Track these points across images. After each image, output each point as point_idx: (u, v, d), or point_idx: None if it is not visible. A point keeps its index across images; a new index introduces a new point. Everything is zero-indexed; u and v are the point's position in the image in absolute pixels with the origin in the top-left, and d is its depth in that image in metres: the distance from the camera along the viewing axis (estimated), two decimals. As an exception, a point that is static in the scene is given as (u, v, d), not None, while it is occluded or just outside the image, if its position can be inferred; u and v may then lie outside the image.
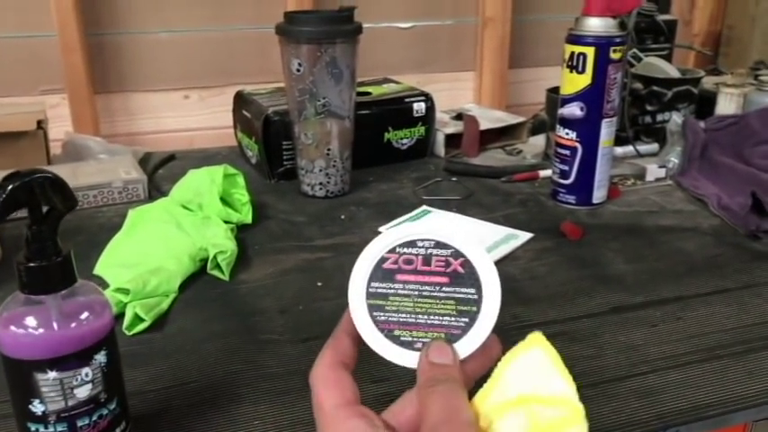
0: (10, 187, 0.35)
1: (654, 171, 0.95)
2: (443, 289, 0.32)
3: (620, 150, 1.02)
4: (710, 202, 0.85)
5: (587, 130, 0.84)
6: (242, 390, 0.51)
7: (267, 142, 0.94)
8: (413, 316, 0.32)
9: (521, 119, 1.15)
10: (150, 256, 0.66)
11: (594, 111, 0.83)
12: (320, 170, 0.90)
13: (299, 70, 0.85)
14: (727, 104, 1.05)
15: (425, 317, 0.32)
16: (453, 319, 0.32)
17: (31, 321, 0.37)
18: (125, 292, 0.60)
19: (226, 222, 0.74)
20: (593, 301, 0.64)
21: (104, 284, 0.64)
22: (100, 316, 0.39)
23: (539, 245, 0.76)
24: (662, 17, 1.19)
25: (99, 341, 0.39)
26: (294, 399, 0.50)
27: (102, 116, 1.22)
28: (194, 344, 0.57)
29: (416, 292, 0.33)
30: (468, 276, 0.32)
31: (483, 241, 0.76)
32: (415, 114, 1.04)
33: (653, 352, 0.56)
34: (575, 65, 0.82)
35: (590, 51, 0.81)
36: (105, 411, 0.40)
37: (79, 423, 0.39)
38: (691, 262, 0.72)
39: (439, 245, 0.33)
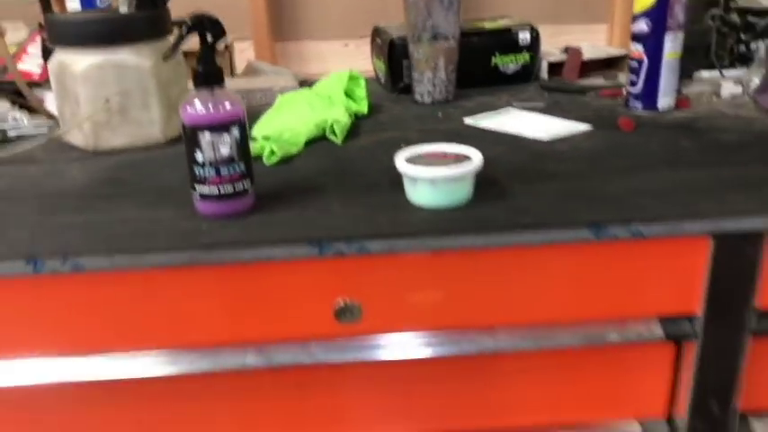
0: (191, 18, 0.62)
1: (729, 88, 1.05)
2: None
3: (705, 74, 1.12)
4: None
5: (652, 43, 0.97)
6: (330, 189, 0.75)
7: (391, 60, 1.18)
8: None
9: (624, 51, 1.27)
10: (287, 122, 0.93)
11: (659, 26, 0.96)
12: (428, 80, 1.12)
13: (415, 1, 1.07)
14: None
15: None
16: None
17: (197, 104, 0.65)
18: (267, 138, 0.87)
19: (347, 110, 1.00)
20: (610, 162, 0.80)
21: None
22: (235, 106, 0.66)
23: (593, 132, 0.92)
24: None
25: (233, 120, 0.65)
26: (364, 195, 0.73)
27: (280, 60, 1.54)
28: (311, 179, 0.82)
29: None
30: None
31: (546, 129, 0.93)
32: (521, 43, 1.22)
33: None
34: (642, -15, 0.96)
35: (654, -28, 0.94)
36: (237, 168, 0.67)
37: (222, 171, 0.66)
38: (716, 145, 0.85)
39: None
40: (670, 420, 0.79)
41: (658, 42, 0.97)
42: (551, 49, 1.32)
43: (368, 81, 1.09)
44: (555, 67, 1.25)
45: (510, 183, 0.75)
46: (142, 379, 0.70)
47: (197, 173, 0.66)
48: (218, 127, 0.64)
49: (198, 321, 0.68)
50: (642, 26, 0.97)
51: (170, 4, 0.95)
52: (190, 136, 0.65)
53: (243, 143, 0.67)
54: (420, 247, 0.66)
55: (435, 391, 0.76)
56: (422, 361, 0.72)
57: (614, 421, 0.80)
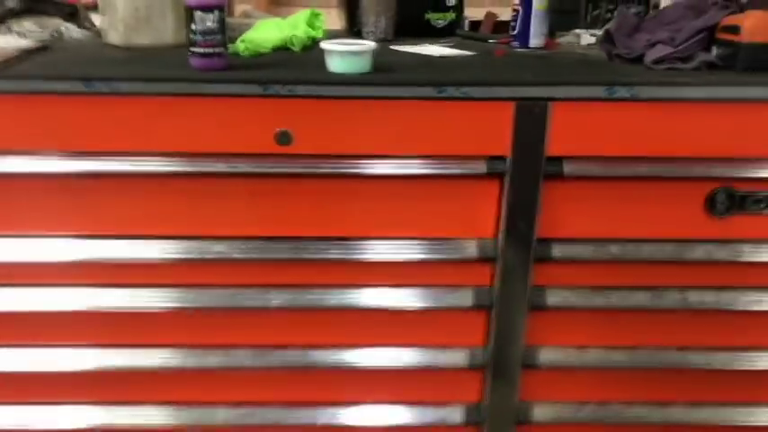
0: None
1: (587, 39, 1.44)
2: None
3: (579, 30, 1.52)
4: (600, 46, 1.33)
5: (525, -3, 1.37)
6: (280, 66, 1.15)
7: (348, 8, 1.58)
8: None
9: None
10: (260, 33, 1.33)
11: (529, -15, 1.36)
12: (371, 23, 1.51)
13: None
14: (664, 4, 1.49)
15: None
16: None
17: (195, -7, 1.05)
18: (243, 41, 1.27)
19: (305, 32, 1.39)
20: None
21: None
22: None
23: (473, 56, 1.32)
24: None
25: (217, 5, 1.05)
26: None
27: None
28: (270, 62, 1.22)
29: None
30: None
31: (440, 52, 1.33)
32: (448, 4, 1.62)
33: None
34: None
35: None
36: (216, 38, 1.06)
37: (206, 37, 1.06)
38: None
39: None
40: (495, 239, 1.18)
41: (529, -3, 1.36)
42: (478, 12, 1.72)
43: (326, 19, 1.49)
44: (475, 25, 1.65)
45: (398, 69, 1.14)
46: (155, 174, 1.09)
47: (191, 38, 1.06)
48: (205, 7, 1.04)
49: (182, 133, 1.07)
50: (518, -15, 1.37)
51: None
52: (188, 13, 1.05)
53: (221, 22, 1.06)
54: (328, 92, 1.05)
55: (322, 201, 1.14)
56: (328, 176, 1.11)
57: (456, 238, 1.18)
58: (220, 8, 1.06)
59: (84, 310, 1.17)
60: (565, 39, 1.49)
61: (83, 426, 1.25)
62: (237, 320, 1.22)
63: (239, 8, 1.88)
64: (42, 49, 1.27)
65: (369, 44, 1.09)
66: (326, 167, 1.10)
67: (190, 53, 1.08)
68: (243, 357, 1.23)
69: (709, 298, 1.23)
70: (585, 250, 1.19)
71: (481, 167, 1.11)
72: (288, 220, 1.15)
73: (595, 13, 1.60)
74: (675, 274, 1.22)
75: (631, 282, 1.22)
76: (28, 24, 1.46)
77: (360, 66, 1.08)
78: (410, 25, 1.59)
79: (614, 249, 1.19)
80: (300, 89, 1.04)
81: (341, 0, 1.67)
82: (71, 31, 1.45)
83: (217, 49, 1.07)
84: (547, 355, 1.27)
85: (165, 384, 1.25)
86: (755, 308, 1.22)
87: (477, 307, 1.22)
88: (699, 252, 1.19)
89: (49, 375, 1.22)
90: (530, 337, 1.25)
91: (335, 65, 1.08)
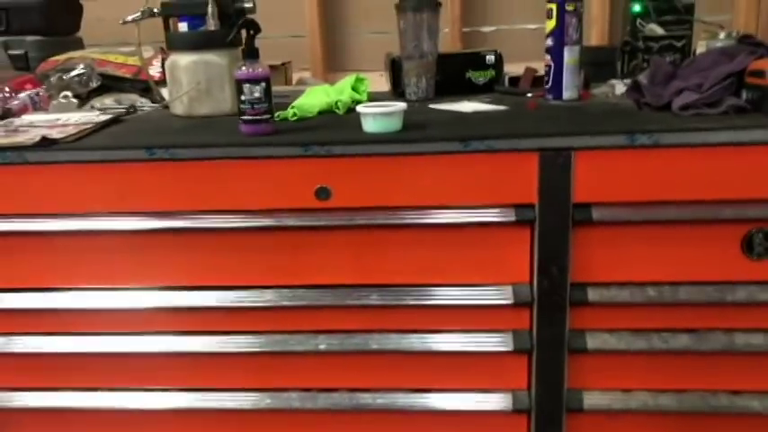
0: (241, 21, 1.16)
1: (621, 88, 1.49)
2: None
3: (614, 81, 1.57)
4: (628, 95, 1.37)
5: (556, 53, 1.43)
6: (322, 128, 1.26)
7: (392, 72, 1.69)
8: None
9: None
10: (308, 100, 1.45)
11: (559, 42, 1.42)
12: (414, 84, 1.61)
13: (404, 29, 1.58)
14: (699, 51, 1.53)
15: None
16: None
17: (243, 68, 1.18)
18: (292, 107, 1.39)
19: (350, 96, 1.51)
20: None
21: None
22: (264, 70, 1.18)
23: (506, 110, 1.39)
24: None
25: (262, 78, 1.17)
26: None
27: (324, 75, 2.09)
28: (314, 126, 1.33)
29: None
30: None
31: (474, 108, 1.41)
32: (488, 62, 1.71)
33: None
34: (548, 15, 1.43)
35: (554, 6, 1.41)
36: (263, 106, 1.18)
37: (255, 106, 1.18)
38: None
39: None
40: (530, 284, 1.22)
41: (560, 53, 1.43)
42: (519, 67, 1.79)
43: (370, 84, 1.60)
44: (514, 80, 1.72)
45: (428, 127, 1.23)
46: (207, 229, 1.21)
47: (241, 107, 1.18)
48: (253, 80, 1.17)
49: (234, 193, 1.18)
50: (549, 42, 1.44)
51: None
52: (238, 86, 1.18)
53: (267, 91, 1.18)
54: (362, 150, 1.14)
55: (376, 251, 1.22)
56: (365, 227, 1.19)
57: (492, 284, 1.22)
58: (266, 80, 1.18)
59: (151, 353, 1.28)
60: (600, 89, 1.54)
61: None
62: (288, 364, 1.29)
63: (297, 76, 2.04)
64: (116, 121, 1.43)
65: (399, 105, 1.18)
66: (363, 219, 1.18)
67: (240, 121, 1.20)
68: (293, 400, 1.30)
69: (756, 340, 1.22)
70: (622, 293, 1.21)
71: (510, 215, 1.17)
72: (330, 270, 1.23)
73: (634, 63, 1.65)
74: (718, 316, 1.22)
75: (672, 324, 1.23)
76: (108, 101, 1.65)
77: (391, 125, 1.17)
78: (452, 84, 1.68)
79: (651, 292, 1.21)
80: (337, 149, 1.14)
81: (387, 64, 1.78)
82: (144, 104, 1.62)
83: (264, 116, 1.19)
84: (591, 399, 1.28)
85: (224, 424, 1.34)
86: (805, 350, 1.20)
87: (518, 351, 1.25)
88: (741, 294, 1.19)
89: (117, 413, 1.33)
90: (572, 381, 1.27)
91: (369, 125, 1.18)
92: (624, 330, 1.23)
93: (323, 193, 1.17)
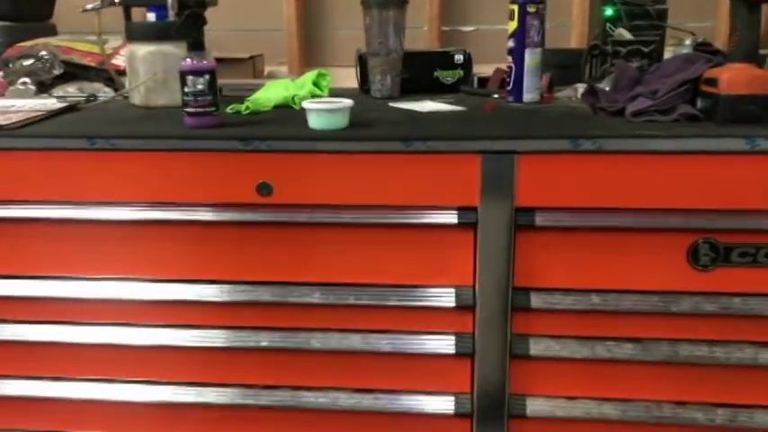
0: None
1: (581, 90, 1.47)
2: None
3: (579, 85, 1.55)
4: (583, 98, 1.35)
5: (518, 55, 1.41)
6: (270, 123, 1.25)
7: (359, 68, 1.68)
8: None
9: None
10: (265, 94, 1.44)
11: (520, 44, 1.40)
12: (378, 81, 1.60)
13: (370, 25, 1.57)
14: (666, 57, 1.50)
15: None
16: None
17: (187, 60, 1.16)
18: (247, 100, 1.38)
19: (310, 92, 1.49)
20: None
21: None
22: (209, 63, 1.17)
23: (463, 111, 1.37)
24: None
25: (207, 70, 1.16)
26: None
27: (298, 70, 2.08)
28: (264, 120, 1.32)
29: None
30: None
31: (431, 108, 1.39)
32: (456, 62, 1.69)
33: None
34: (510, 16, 1.41)
35: (515, 7, 1.39)
36: (209, 97, 1.17)
37: (199, 98, 1.17)
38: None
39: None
40: (473, 287, 1.20)
41: (521, 55, 1.41)
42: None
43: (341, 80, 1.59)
44: (484, 81, 1.70)
45: (375, 125, 1.21)
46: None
47: (184, 99, 1.17)
48: (197, 72, 1.15)
49: (175, 185, 1.17)
50: (511, 44, 1.42)
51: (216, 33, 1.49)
52: (182, 77, 1.17)
53: (212, 84, 1.17)
54: (304, 147, 1.13)
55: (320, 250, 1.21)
56: (306, 225, 1.18)
57: (434, 286, 1.21)
58: (211, 72, 1.17)
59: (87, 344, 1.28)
60: (563, 93, 1.52)
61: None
62: (230, 360, 1.29)
63: (270, 69, 2.02)
64: (72, 109, 1.42)
65: (345, 102, 1.17)
66: (304, 217, 1.17)
67: (184, 113, 1.19)
68: (235, 395, 1.29)
69: (701, 351, 1.20)
70: (565, 300, 1.19)
71: (452, 217, 1.15)
72: (272, 266, 1.22)
73: (603, 67, 1.62)
74: (663, 326, 1.20)
75: (616, 333, 1.21)
76: (71, 89, 1.64)
77: (336, 122, 1.16)
78: (419, 82, 1.66)
79: (596, 299, 1.19)
80: (278, 144, 1.13)
81: (355, 60, 1.76)
82: (107, 94, 1.61)
83: (208, 109, 1.18)
84: (535, 405, 1.26)
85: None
86: (750, 362, 1.18)
87: (461, 354, 1.23)
88: (686, 304, 1.18)
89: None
90: (515, 386, 1.25)
91: (313, 121, 1.16)
92: (568, 337, 1.22)
93: (264, 189, 1.16)
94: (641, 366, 1.22)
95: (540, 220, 1.14)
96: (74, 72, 1.68)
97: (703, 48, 1.31)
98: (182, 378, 1.30)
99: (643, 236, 1.15)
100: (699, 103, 1.21)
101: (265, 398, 1.29)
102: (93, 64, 1.68)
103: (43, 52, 1.60)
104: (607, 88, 1.44)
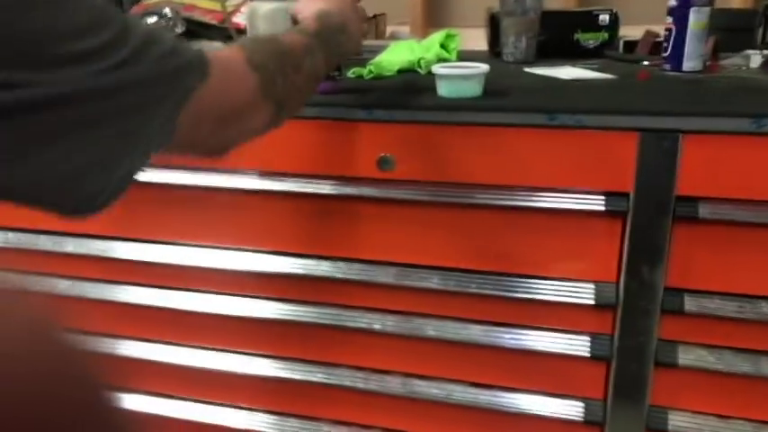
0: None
1: (756, 60, 1.25)
2: None
3: (750, 51, 1.32)
4: (763, 68, 1.14)
5: (679, 15, 1.22)
6: (395, 90, 1.13)
7: (490, 29, 1.53)
8: None
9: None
10: (389, 57, 1.33)
11: (684, 1, 1.21)
12: (512, 44, 1.45)
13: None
14: None
15: None
16: None
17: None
18: (370, 64, 1.27)
19: (437, 55, 1.36)
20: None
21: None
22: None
23: (612, 79, 1.20)
24: None
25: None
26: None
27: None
28: (388, 86, 1.21)
29: None
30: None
31: (575, 75, 1.23)
32: (601, 23, 1.50)
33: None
34: (674, -31, 1.21)
35: (682, -42, 1.19)
36: (329, 60, 1.07)
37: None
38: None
39: None
40: (617, 284, 1.05)
41: (684, 15, 1.21)
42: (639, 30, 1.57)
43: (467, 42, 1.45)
44: (631, 45, 1.51)
45: (513, 94, 1.07)
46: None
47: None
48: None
49: (291, 156, 1.09)
50: (673, 1, 1.22)
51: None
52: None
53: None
54: (430, 117, 1.01)
55: (444, 230, 1.10)
56: (430, 204, 1.07)
57: (571, 279, 1.07)
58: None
59: (201, 313, 1.24)
60: (731, 61, 1.30)
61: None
62: (340, 340, 1.21)
63: (390, 29, 1.91)
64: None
65: (480, 67, 1.03)
66: (426, 195, 1.06)
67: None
68: (344, 377, 1.22)
69: None
70: (727, 306, 1.02)
71: (599, 203, 1.00)
72: (389, 246, 1.12)
73: (779, 30, 1.39)
74: None
75: (788, 349, 1.03)
76: (192, 46, 1.60)
77: (469, 90, 1.03)
78: (558, 46, 1.50)
79: (766, 308, 1.01)
80: (401, 114, 1.02)
81: (486, 21, 1.61)
82: (226, 53, 1.55)
83: (331, 72, 1.08)
84: (678, 421, 1.10)
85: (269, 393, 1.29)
86: None
87: (596, 357, 1.09)
88: None
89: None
90: (657, 397, 1.10)
91: (443, 89, 1.04)
92: (726, 348, 1.05)
93: (385, 164, 1.05)
94: (815, 389, 1.03)
95: (704, 211, 0.97)
96: (195, 30, 1.64)
97: None
98: (287, 353, 1.25)
99: (833, 237, 0.95)
100: None
101: (375, 383, 1.21)
102: (214, 22, 1.63)
103: (166, 10, 1.57)
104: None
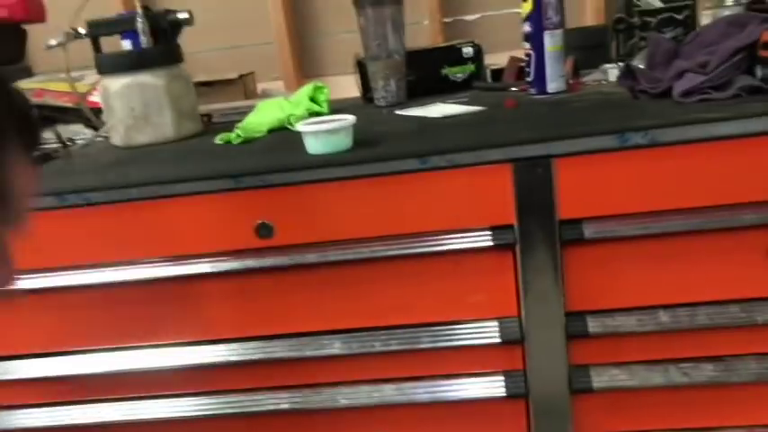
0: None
1: (613, 73, 1.28)
2: None
3: (608, 65, 1.36)
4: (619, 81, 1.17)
5: (536, 40, 1.24)
6: (263, 151, 1.08)
7: (360, 75, 1.51)
8: None
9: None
10: (257, 118, 1.28)
11: (538, 26, 1.22)
12: (381, 88, 1.43)
13: (365, 26, 1.40)
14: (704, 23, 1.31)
15: None
16: None
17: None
18: (237, 128, 1.22)
19: (307, 109, 1.32)
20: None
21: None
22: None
23: (481, 111, 1.20)
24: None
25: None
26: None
27: (294, 84, 1.92)
28: (259, 148, 1.15)
29: None
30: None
31: (446, 112, 1.22)
32: (465, 56, 1.51)
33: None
34: (523, -3, 1.23)
35: (528, -13, 1.22)
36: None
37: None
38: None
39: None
40: (519, 317, 1.03)
41: (539, 39, 1.23)
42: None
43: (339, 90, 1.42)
44: (498, 73, 1.53)
45: (383, 142, 1.04)
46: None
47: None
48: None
49: (161, 237, 1.01)
50: (527, 28, 1.24)
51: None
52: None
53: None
54: (303, 177, 0.96)
55: (334, 294, 1.04)
56: (316, 266, 1.01)
57: (474, 320, 1.04)
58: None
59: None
60: (591, 77, 1.34)
61: None
62: (249, 427, 1.12)
63: (263, 87, 1.86)
64: (45, 159, 1.27)
65: (347, 119, 1.00)
66: (313, 257, 1.00)
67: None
68: (258, 467, 1.13)
69: (797, 366, 1.01)
70: (629, 321, 1.01)
71: (486, 240, 0.98)
72: (282, 317, 1.05)
73: (630, 42, 1.44)
74: (748, 341, 1.02)
75: (693, 353, 1.03)
76: (47, 135, 1.49)
77: (338, 144, 0.99)
78: (427, 83, 1.50)
79: (664, 317, 1.01)
80: (273, 177, 0.96)
81: (354, 67, 1.60)
82: (87, 135, 1.46)
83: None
84: (604, 446, 1.08)
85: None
86: None
87: (513, 396, 1.06)
88: (773, 312, 0.99)
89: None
90: (580, 427, 1.08)
91: (312, 147, 1.00)
92: (636, 363, 1.04)
93: (264, 230, 0.99)
94: (726, 390, 1.04)
95: (589, 232, 0.96)
96: (50, 116, 1.53)
97: (757, 6, 1.12)
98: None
99: (713, 238, 0.97)
100: (759, 73, 1.02)
101: (292, 466, 1.13)
102: (69, 105, 1.53)
103: (13, 99, 1.45)
104: (641, 66, 1.25)
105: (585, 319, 1.01)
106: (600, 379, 1.04)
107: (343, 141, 1.00)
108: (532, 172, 0.93)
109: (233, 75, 1.67)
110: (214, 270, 1.02)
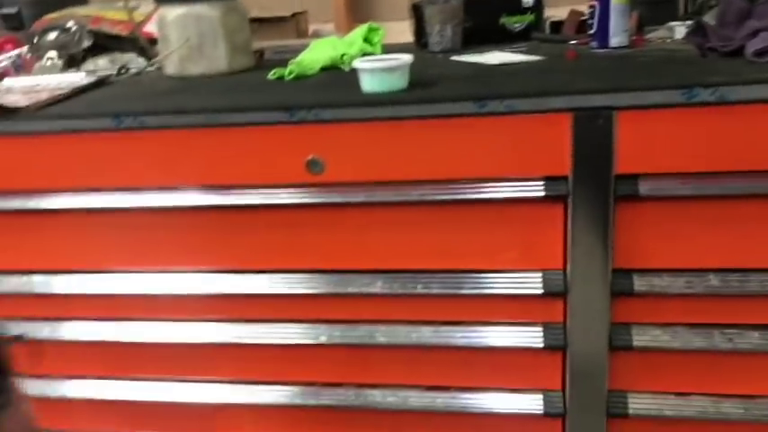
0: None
1: (680, 31, 1.23)
2: None
3: (674, 23, 1.31)
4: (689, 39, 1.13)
5: (602, -9, 1.19)
6: (317, 88, 1.07)
7: (414, 19, 1.48)
8: None
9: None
10: (311, 55, 1.26)
11: (606, -24, 1.18)
12: (437, 33, 1.40)
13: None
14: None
15: None
16: None
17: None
18: (291, 64, 1.21)
19: (360, 50, 1.31)
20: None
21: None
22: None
23: (539, 61, 1.17)
24: None
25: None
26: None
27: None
28: (310, 85, 1.14)
29: None
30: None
31: (503, 60, 1.19)
32: (524, 5, 1.47)
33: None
34: (592, -56, 1.19)
35: (600, -68, 1.17)
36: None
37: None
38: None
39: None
40: (564, 271, 1.02)
41: (607, -10, 1.19)
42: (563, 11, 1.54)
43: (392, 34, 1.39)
44: (557, 25, 1.48)
45: (439, 83, 1.02)
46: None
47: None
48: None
49: (211, 166, 1.02)
50: (594, -23, 1.20)
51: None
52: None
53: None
54: (355, 115, 0.96)
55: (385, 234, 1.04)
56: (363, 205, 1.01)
57: (517, 270, 1.03)
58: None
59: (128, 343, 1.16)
60: (656, 34, 1.29)
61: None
62: (286, 357, 1.15)
63: (314, 28, 1.85)
64: (101, 84, 1.29)
65: (403, 58, 0.98)
66: (361, 196, 1.00)
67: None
68: (295, 395, 1.16)
69: (843, 338, 0.99)
70: (676, 283, 1.00)
71: (538, 189, 0.97)
72: (327, 253, 1.06)
73: (699, 1, 1.38)
74: (796, 311, 1.00)
75: (739, 320, 1.01)
76: (102, 62, 1.50)
77: (393, 83, 0.98)
78: (484, 31, 1.46)
79: (714, 281, 0.99)
80: (326, 113, 0.96)
81: (409, 11, 1.57)
82: (140, 65, 1.46)
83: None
84: (638, 403, 1.08)
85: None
86: None
87: (550, 347, 1.06)
88: (826, 284, 0.96)
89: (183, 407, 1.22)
90: (615, 382, 1.08)
91: (367, 84, 0.99)
92: (679, 326, 1.03)
93: (314, 166, 0.99)
94: (768, 358, 1.02)
95: (645, 188, 0.94)
96: (105, 43, 1.54)
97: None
98: (233, 376, 1.18)
99: (773, 202, 0.94)
100: (840, 35, 0.98)
101: (327, 397, 1.16)
102: (123, 33, 1.54)
103: (70, 23, 1.47)
104: (710, 21, 1.20)
105: (632, 277, 1.00)
106: (641, 338, 1.03)
107: (399, 81, 0.98)
108: (593, 123, 0.91)
109: (286, 12, 1.65)
110: (263, 202, 1.03)
